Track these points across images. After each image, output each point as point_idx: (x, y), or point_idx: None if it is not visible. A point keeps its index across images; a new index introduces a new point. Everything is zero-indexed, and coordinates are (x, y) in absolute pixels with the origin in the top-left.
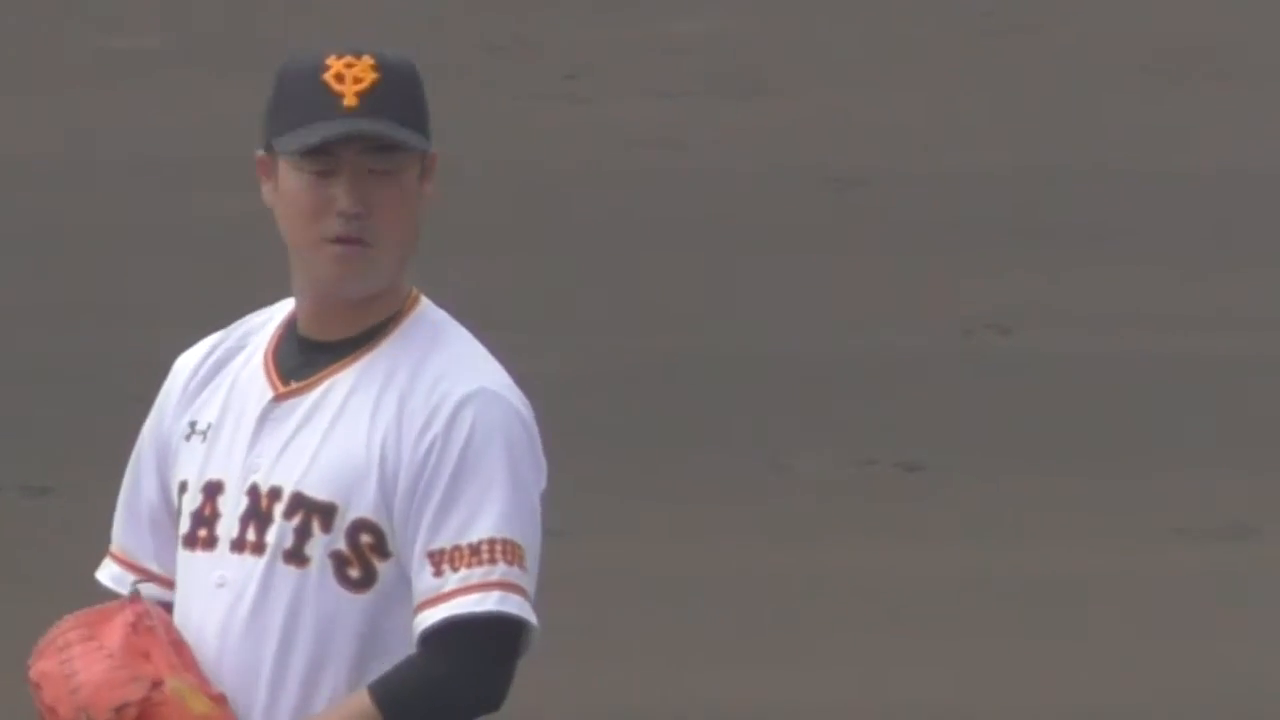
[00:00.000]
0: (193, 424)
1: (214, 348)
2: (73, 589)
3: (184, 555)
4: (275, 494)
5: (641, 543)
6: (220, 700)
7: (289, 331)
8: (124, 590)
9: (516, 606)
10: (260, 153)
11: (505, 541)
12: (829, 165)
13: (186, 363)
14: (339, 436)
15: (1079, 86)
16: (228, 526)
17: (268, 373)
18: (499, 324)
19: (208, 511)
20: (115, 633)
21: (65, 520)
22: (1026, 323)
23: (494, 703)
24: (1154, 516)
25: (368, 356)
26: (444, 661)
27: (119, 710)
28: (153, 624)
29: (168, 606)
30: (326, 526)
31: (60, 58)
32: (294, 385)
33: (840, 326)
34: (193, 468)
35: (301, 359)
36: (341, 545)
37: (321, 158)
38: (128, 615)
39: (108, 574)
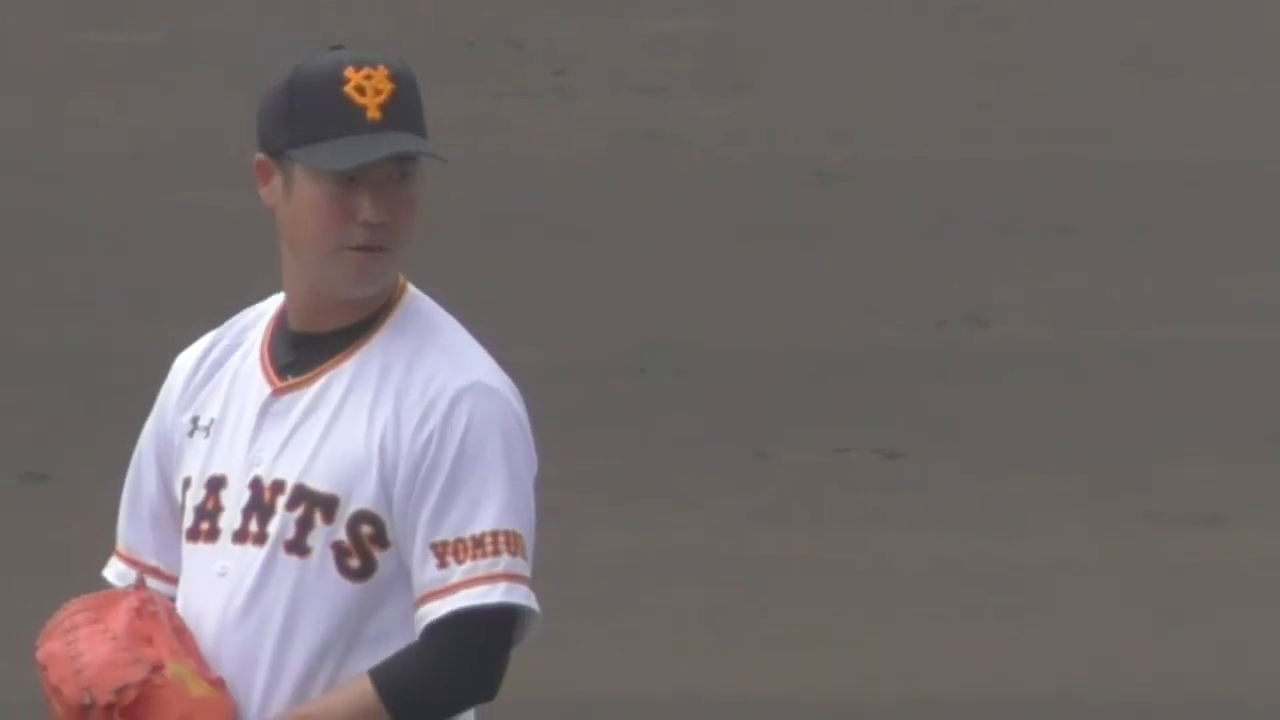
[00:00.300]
0: (195, 420)
1: (212, 345)
2: (71, 575)
3: (187, 548)
4: (278, 486)
5: (620, 531)
6: (219, 684)
7: (280, 326)
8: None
9: (523, 597)
10: (261, 156)
11: (507, 533)
12: (812, 159)
13: (186, 361)
14: (340, 431)
15: (1061, 81)
16: (230, 519)
17: (264, 368)
18: (486, 317)
19: (210, 505)
20: (120, 617)
21: (63, 507)
22: (1005, 315)
23: (491, 692)
24: (1129, 502)
25: (362, 350)
26: (448, 651)
27: (120, 691)
28: (156, 610)
29: (170, 601)
30: (328, 518)
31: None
32: (291, 380)
33: (823, 317)
34: (196, 463)
35: (295, 353)
36: (342, 536)
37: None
38: (132, 601)
39: (114, 572)
